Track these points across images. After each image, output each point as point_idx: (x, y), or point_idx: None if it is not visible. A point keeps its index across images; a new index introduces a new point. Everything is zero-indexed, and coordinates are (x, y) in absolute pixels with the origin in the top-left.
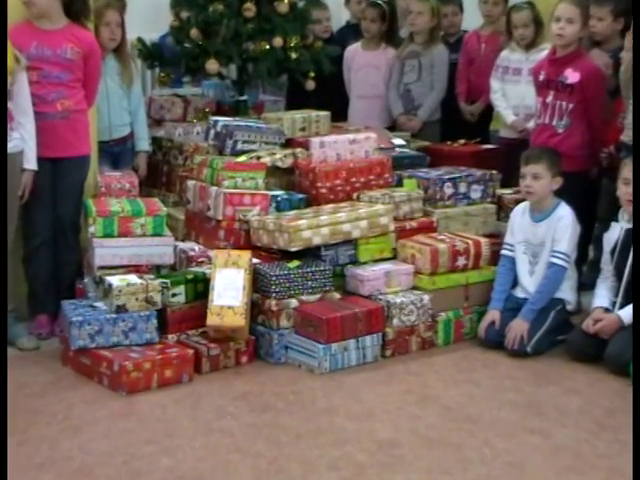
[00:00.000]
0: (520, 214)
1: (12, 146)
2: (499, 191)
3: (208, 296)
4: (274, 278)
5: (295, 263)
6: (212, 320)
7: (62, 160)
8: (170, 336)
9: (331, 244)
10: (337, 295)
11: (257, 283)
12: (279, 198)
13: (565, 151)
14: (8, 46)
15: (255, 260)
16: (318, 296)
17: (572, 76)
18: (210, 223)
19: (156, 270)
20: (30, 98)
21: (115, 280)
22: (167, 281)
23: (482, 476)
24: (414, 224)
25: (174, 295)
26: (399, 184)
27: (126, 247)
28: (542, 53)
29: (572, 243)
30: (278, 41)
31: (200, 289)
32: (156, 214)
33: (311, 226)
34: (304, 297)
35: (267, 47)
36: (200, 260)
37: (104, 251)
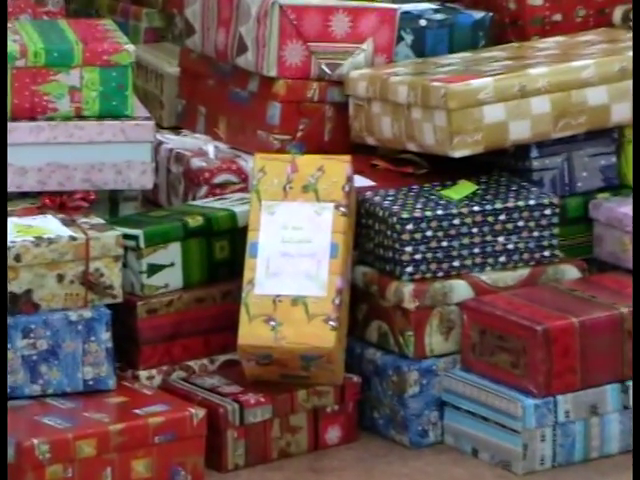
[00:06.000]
0: None
1: None
2: None
3: (243, 274)
4: (410, 227)
5: (464, 189)
6: (254, 335)
7: None
8: (145, 373)
9: (557, 140)
10: (574, 270)
11: (367, 240)
12: (422, 21)
13: None
14: None
15: (361, 181)
16: (524, 273)
17: None
18: (245, 87)
19: (110, 206)
20: None
21: (8, 229)
22: (138, 233)
23: None
24: None
25: (155, 269)
26: None
27: (36, 146)
28: None
29: None
30: None
31: (220, 255)
32: (108, 61)
33: (504, 94)
34: (484, 275)
35: None
36: (219, 182)
37: None
